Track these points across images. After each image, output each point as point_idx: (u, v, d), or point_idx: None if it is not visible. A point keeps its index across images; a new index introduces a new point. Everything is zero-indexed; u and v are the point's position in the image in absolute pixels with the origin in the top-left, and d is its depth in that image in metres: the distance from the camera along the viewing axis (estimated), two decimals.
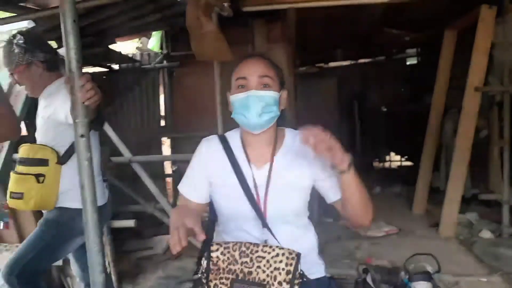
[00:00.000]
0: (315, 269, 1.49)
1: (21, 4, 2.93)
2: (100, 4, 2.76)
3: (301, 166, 1.43)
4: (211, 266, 1.18)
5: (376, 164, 8.57)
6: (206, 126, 4.20)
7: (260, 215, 1.39)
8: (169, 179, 5.14)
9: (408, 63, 8.36)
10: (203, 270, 1.19)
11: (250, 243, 1.20)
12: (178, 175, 4.67)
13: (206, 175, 1.47)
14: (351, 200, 1.35)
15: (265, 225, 1.39)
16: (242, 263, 1.18)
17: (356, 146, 7.84)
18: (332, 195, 1.43)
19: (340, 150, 1.22)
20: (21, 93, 3.38)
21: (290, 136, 1.50)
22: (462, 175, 3.98)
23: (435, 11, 4.88)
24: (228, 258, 1.18)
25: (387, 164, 8.80)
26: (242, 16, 4.21)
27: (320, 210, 4.77)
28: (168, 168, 5.22)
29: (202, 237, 1.14)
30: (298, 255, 1.17)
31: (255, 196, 1.40)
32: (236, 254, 1.18)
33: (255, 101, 1.36)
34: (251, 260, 1.17)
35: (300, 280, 1.20)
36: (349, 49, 7.39)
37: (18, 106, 3.33)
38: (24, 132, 4.18)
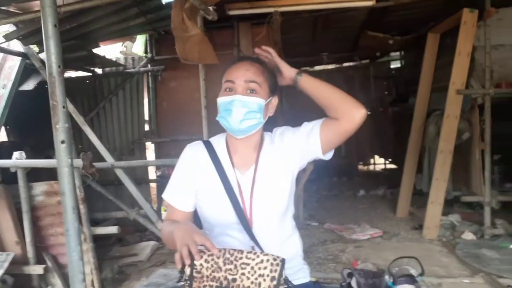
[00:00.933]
0: (299, 274, 1.49)
1: (2, 7, 2.89)
2: (83, 8, 2.73)
3: (280, 160, 1.45)
4: (195, 274, 1.16)
5: (360, 167, 8.63)
6: (191, 130, 4.21)
7: (245, 220, 1.39)
8: (153, 185, 5.09)
9: (392, 66, 8.46)
10: (187, 278, 1.17)
11: (235, 250, 1.19)
12: (162, 180, 4.63)
13: (191, 181, 1.45)
14: (323, 96, 1.41)
15: (249, 230, 1.38)
16: (226, 270, 1.16)
17: (340, 149, 7.89)
18: (319, 129, 1.40)
19: (284, 63, 1.46)
20: (1, 98, 3.32)
21: (268, 137, 1.51)
22: (445, 177, 4.03)
23: (418, 15, 4.95)
24: (212, 265, 1.16)
25: (371, 167, 8.87)
26: (228, 20, 4.23)
27: (305, 214, 4.79)
28: (151, 173, 5.18)
29: (215, 251, 1.15)
30: (283, 261, 1.16)
31: (240, 201, 1.40)
32: (220, 261, 1.17)
33: (239, 106, 1.35)
34: (235, 267, 1.16)
35: (285, 286, 1.19)
36: (334, 52, 7.45)
37: None
38: (4, 137, 4.12)
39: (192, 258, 1.14)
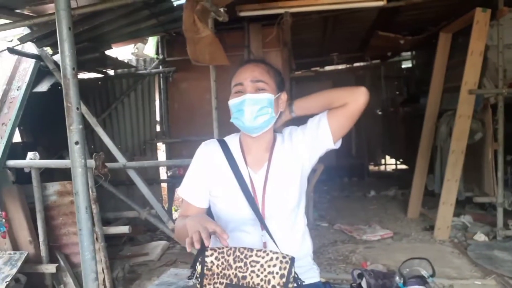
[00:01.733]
0: (309, 274, 1.50)
1: (17, 10, 2.94)
2: (96, 10, 2.77)
3: (292, 159, 1.48)
4: (205, 271, 1.18)
5: (371, 167, 8.59)
6: (202, 131, 4.22)
7: (259, 217, 1.41)
8: (164, 185, 5.12)
9: (403, 66, 8.40)
10: (197, 275, 1.19)
11: (245, 248, 1.20)
12: (173, 181, 4.66)
13: (206, 178, 1.48)
14: (322, 101, 1.49)
15: (264, 227, 1.40)
16: (236, 268, 1.18)
17: (351, 150, 7.86)
18: (326, 118, 1.45)
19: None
20: (15, 100, 3.38)
21: (279, 137, 1.54)
22: (456, 178, 4.00)
23: (429, 15, 4.92)
24: (222, 263, 1.18)
25: (382, 168, 8.82)
26: (238, 21, 4.25)
27: (315, 215, 4.79)
28: (163, 173, 5.21)
29: (226, 236, 1.18)
30: (292, 259, 1.18)
31: (254, 199, 1.42)
32: (231, 259, 1.18)
33: (250, 104, 1.39)
34: (245, 264, 1.18)
35: (294, 284, 1.20)
36: (345, 53, 7.43)
37: (12, 112, 3.33)
38: (18, 138, 4.18)
39: (203, 251, 1.16)
